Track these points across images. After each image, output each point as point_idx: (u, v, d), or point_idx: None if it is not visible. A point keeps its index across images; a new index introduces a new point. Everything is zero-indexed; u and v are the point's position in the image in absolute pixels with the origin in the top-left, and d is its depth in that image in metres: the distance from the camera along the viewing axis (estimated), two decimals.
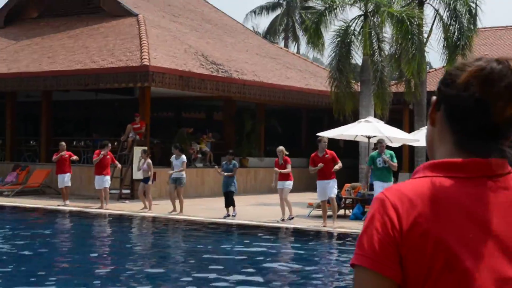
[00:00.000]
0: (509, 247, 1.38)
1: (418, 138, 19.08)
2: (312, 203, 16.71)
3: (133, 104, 22.59)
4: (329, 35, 22.30)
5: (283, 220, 15.03)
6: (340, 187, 15.38)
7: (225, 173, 15.68)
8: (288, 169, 14.97)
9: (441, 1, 23.02)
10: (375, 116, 19.73)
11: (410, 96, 22.21)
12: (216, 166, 18.26)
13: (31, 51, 24.62)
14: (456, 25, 23.12)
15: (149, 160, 17.09)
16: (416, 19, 21.06)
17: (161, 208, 17.08)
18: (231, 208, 15.70)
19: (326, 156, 14.10)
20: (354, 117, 20.57)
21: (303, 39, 39.36)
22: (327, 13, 22.31)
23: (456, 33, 22.99)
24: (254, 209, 17.64)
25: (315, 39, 22.37)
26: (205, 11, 31.46)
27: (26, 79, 22.62)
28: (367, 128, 17.58)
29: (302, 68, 29.27)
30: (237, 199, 15.97)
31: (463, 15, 22.89)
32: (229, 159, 15.99)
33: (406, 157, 24.69)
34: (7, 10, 28.08)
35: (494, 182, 1.41)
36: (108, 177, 17.58)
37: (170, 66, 20.83)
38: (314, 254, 11.43)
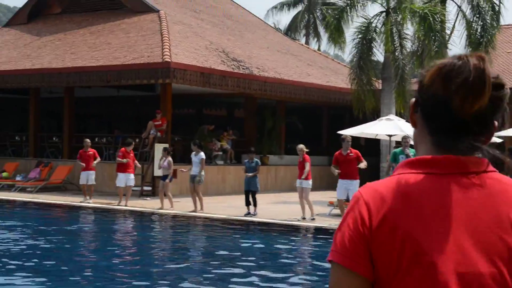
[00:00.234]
0: (480, 242, 1.38)
1: None
2: (333, 201, 16.66)
3: (155, 100, 22.69)
4: (350, 32, 22.25)
5: (304, 218, 15.01)
6: (360, 186, 15.31)
7: (250, 174, 15.63)
8: (307, 167, 14.93)
9: None
10: (397, 114, 19.63)
11: None
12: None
13: (54, 47, 24.82)
14: (479, 21, 22.92)
15: (169, 158, 17.15)
16: (438, 16, 20.90)
17: (182, 206, 17.14)
18: (251, 207, 15.70)
19: (350, 154, 14.03)
20: (375, 114, 20.48)
21: (324, 36, 39.29)
22: (348, 10, 22.23)
23: (479, 30, 22.79)
24: (275, 207, 17.64)
25: (336, 36, 22.32)
26: (227, 7, 31.48)
27: (49, 75, 22.81)
28: (388, 126, 17.48)
29: (323, 65, 29.18)
30: (257, 197, 15.96)
31: (486, 11, 22.68)
32: (250, 157, 15.98)
33: None
34: (31, 6, 28.32)
35: (468, 179, 1.42)
36: (132, 175, 17.68)
37: (191, 63, 20.88)
38: None
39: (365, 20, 21.94)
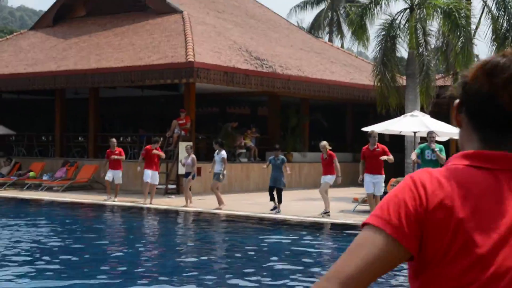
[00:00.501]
0: None
1: None
2: (357, 198, 16.60)
3: (179, 100, 22.82)
4: (374, 29, 22.20)
5: (328, 214, 14.98)
6: (385, 182, 15.25)
7: (288, 171, 15.86)
8: (337, 164, 14.98)
9: None
10: (421, 110, 19.48)
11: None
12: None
13: (79, 49, 25.09)
14: (505, 16, 22.66)
15: (193, 155, 17.23)
16: (463, 11, 20.69)
17: (206, 203, 17.22)
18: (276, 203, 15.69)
19: (377, 150, 14.10)
20: (399, 111, 20.35)
21: (347, 34, 39.11)
22: (372, 6, 22.12)
23: (505, 25, 22.53)
24: (299, 204, 17.63)
25: (360, 32, 22.22)
26: (249, 6, 31.51)
27: (74, 76, 23.07)
28: (413, 122, 17.37)
29: (347, 63, 29.08)
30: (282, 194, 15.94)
31: None
32: (276, 155, 16.02)
33: (454, 151, 24.30)
34: (56, 9, 28.66)
35: None
36: (157, 174, 17.81)
37: (215, 62, 20.96)
38: None
39: (388, 17, 21.83)
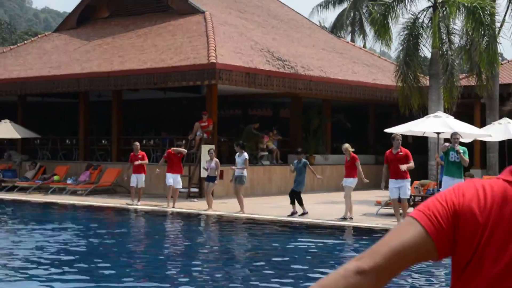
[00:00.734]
0: None
1: (490, 133, 18.51)
2: (380, 201, 16.46)
3: (201, 102, 22.83)
4: (396, 28, 22.01)
5: (351, 218, 14.88)
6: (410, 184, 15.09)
7: (318, 177, 16.13)
8: (359, 167, 14.88)
9: None
10: (445, 111, 19.26)
11: (482, 89, 21.58)
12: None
13: (103, 50, 25.23)
14: None
15: (216, 159, 17.21)
16: (488, 9, 20.42)
17: (228, 207, 17.20)
18: (297, 206, 15.61)
19: (400, 153, 13.84)
20: (422, 112, 20.15)
21: (370, 33, 38.86)
22: (395, 5, 21.93)
23: None
24: (322, 207, 17.54)
25: (382, 32, 22.04)
26: (271, 6, 31.45)
27: (97, 78, 23.21)
28: (436, 124, 17.15)
29: (369, 63, 28.88)
30: (303, 197, 15.86)
31: None
32: (299, 158, 15.95)
33: (478, 152, 24.02)
34: (80, 11, 28.86)
35: None
36: (179, 177, 17.84)
37: (237, 63, 20.93)
38: None
39: (411, 16, 21.63)
